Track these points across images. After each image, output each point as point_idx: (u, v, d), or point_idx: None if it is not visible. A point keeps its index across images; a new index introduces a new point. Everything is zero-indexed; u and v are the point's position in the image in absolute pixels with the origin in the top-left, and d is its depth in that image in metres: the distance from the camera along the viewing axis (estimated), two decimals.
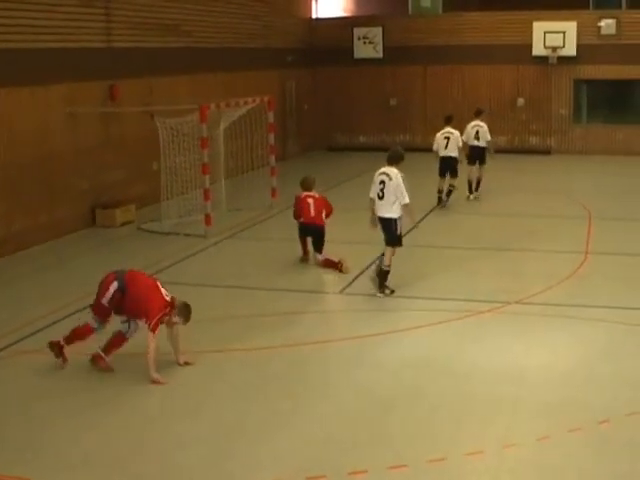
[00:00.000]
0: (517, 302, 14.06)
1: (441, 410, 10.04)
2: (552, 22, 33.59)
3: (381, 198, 14.22)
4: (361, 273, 15.94)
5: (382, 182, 14.20)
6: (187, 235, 19.24)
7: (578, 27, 33.57)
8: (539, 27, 33.68)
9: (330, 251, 16.68)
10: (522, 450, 9.01)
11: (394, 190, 14.09)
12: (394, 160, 14.47)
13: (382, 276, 14.38)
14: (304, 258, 17.26)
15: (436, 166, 22.78)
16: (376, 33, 35.67)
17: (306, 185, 17.45)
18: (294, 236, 17.55)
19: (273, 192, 22.62)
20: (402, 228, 14.61)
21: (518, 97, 34.69)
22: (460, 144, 22.88)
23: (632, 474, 8.49)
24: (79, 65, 20.27)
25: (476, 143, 24.04)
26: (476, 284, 15.30)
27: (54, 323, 13.15)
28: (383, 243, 14.50)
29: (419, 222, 20.41)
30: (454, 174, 22.84)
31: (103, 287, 11.25)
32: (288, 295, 14.85)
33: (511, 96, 34.71)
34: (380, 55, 35.65)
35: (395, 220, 14.25)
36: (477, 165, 24.04)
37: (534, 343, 12.25)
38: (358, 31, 35.83)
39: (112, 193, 21.31)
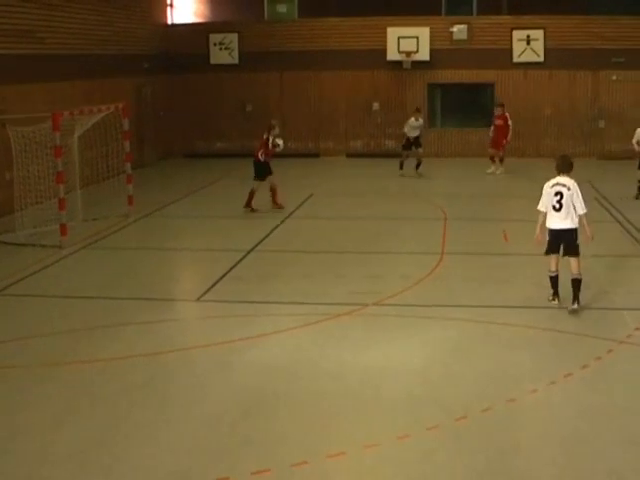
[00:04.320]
0: (375, 304, 14.20)
1: (303, 413, 10.06)
2: (406, 27, 34.15)
3: (559, 210, 13.41)
4: (218, 281, 15.89)
5: (559, 193, 13.41)
6: (43, 246, 18.79)
7: (431, 32, 34.23)
8: (393, 32, 34.17)
9: (183, 260, 16.58)
10: (382, 449, 9.10)
11: (573, 200, 13.36)
12: (568, 168, 13.75)
13: (578, 286, 13.54)
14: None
15: None
16: (232, 39, 35.62)
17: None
18: (151, 245, 17.71)
19: (130, 200, 22.31)
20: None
21: (374, 101, 35.12)
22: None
23: (487, 468, 8.68)
24: None
25: (415, 134, 29.12)
26: (334, 287, 15.39)
27: None
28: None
29: (279, 224, 20.68)
30: None
31: None
32: (146, 304, 14.64)
33: (367, 100, 35.11)
34: (236, 61, 35.61)
35: (574, 230, 13.42)
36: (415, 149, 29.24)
37: (392, 344, 12.39)
38: (214, 37, 35.71)
39: None
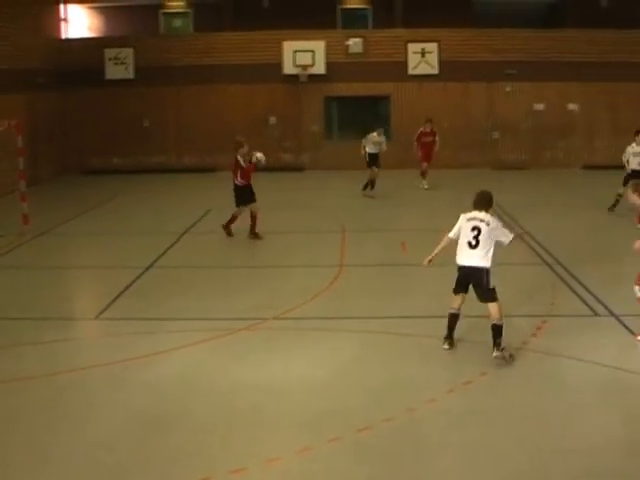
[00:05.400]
0: (274, 318, 14.19)
1: (203, 430, 9.97)
2: (302, 41, 34.40)
3: (474, 247, 12.04)
4: (116, 298, 15.70)
5: (476, 228, 12.07)
6: None
7: (327, 46, 34.57)
8: (289, 46, 34.39)
9: (81, 279, 16.37)
10: (285, 463, 9.09)
11: (493, 236, 12.10)
12: (486, 205, 12.33)
13: (498, 332, 12.06)
14: None
15: None
16: (127, 54, 35.40)
17: None
18: (48, 263, 18.16)
19: (25, 218, 21.91)
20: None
21: (270, 115, 35.21)
22: None
23: (387, 477, 8.78)
24: None
25: (375, 150, 27.75)
26: (233, 302, 15.33)
27: None
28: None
29: (176, 240, 20.54)
30: None
31: None
32: (43, 323, 14.35)
33: (263, 114, 35.16)
34: (132, 76, 35.38)
35: (487, 270, 12.02)
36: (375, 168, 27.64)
37: (292, 357, 12.39)
38: (109, 52, 35.43)
39: None
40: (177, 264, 18.69)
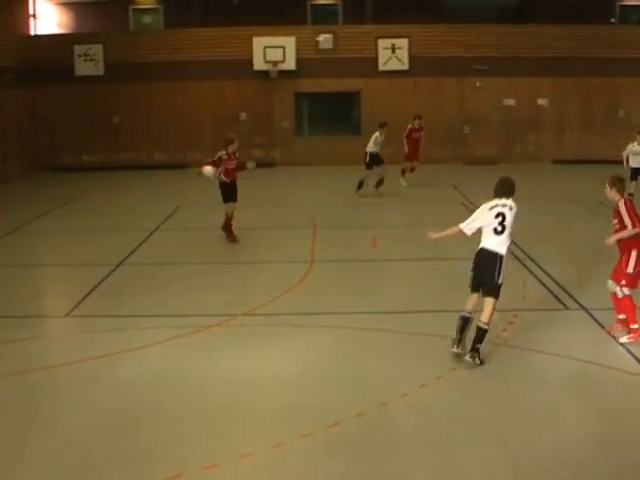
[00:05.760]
0: (245, 314, 14.15)
1: (175, 427, 9.93)
2: (272, 37, 34.38)
3: (500, 232, 11.87)
4: (87, 296, 15.62)
5: (501, 214, 11.95)
6: None
7: (297, 42, 34.55)
8: (259, 42, 34.37)
9: (51, 276, 16.25)
10: (257, 459, 9.07)
11: (512, 222, 12.05)
12: (509, 192, 12.27)
13: (478, 337, 11.71)
14: None
15: None
16: (97, 50, 35.24)
17: None
18: (18, 261, 18.04)
19: None
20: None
21: (241, 111, 35.15)
22: None
23: (359, 472, 8.77)
24: None
25: (377, 150, 26.62)
26: (204, 299, 15.28)
27: None
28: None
29: (147, 237, 20.44)
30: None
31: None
32: (13, 321, 14.24)
33: (234, 110, 35.09)
34: (101, 72, 35.22)
35: (501, 257, 11.78)
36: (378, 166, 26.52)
37: (264, 353, 12.36)
38: (78, 48, 35.24)
39: None
40: (148, 261, 18.61)
